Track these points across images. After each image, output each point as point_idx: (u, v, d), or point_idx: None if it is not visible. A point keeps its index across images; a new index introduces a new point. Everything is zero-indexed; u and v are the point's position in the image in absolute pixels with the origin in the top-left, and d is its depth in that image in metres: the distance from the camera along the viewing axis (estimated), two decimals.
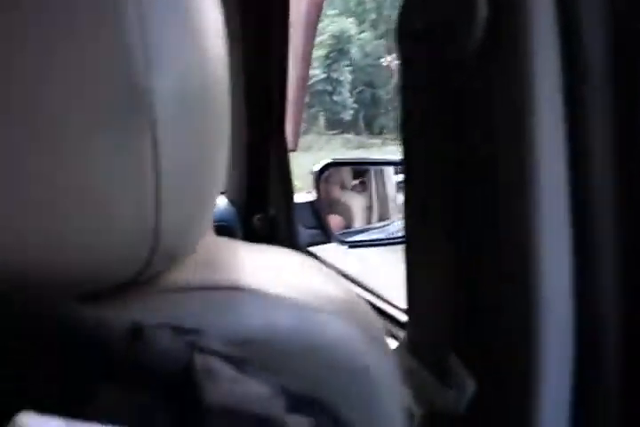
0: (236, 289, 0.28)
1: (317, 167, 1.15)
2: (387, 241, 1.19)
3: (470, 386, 0.39)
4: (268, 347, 0.26)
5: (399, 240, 1.18)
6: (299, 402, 0.22)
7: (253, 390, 0.21)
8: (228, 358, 0.22)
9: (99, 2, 0.20)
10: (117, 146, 0.21)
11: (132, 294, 0.26)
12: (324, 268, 0.36)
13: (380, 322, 0.35)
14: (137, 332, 0.20)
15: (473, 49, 0.34)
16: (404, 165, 0.44)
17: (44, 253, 0.22)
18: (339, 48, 11.71)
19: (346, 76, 11.84)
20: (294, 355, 0.27)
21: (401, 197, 1.50)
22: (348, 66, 11.90)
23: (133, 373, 0.19)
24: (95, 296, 0.24)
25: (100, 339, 0.20)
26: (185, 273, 0.28)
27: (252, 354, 0.24)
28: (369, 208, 1.43)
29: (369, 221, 1.40)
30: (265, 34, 0.90)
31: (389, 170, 1.43)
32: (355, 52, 12.09)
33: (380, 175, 1.43)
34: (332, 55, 11.83)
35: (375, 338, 0.32)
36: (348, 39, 11.88)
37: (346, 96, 11.69)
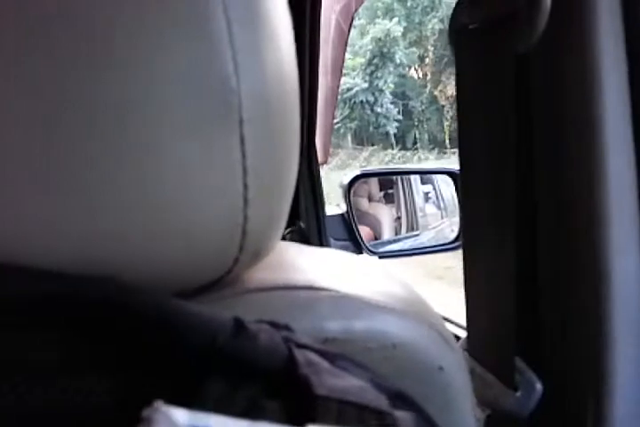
0: (313, 289, 0.28)
1: (347, 180, 1.15)
2: (417, 251, 1.18)
3: (538, 388, 0.39)
4: (346, 346, 0.26)
5: (429, 250, 1.18)
6: (395, 397, 0.22)
7: (355, 384, 0.21)
8: (322, 353, 0.22)
9: (188, 6, 0.21)
10: (208, 145, 0.22)
11: (216, 294, 0.26)
12: (384, 268, 0.36)
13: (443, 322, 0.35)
14: (240, 327, 0.20)
15: (536, 41, 0.34)
16: (462, 169, 0.44)
17: (136, 251, 0.22)
18: (382, 52, 10.51)
19: (389, 84, 10.71)
20: (371, 354, 0.27)
21: (429, 208, 1.50)
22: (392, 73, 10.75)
23: (239, 367, 0.20)
24: (183, 295, 0.24)
25: (201, 334, 0.20)
26: (262, 273, 0.29)
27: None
28: (397, 219, 1.43)
29: (398, 232, 1.40)
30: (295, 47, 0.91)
31: (416, 180, 1.43)
32: (400, 56, 10.73)
33: (408, 186, 1.42)
34: (374, 61, 10.57)
35: (446, 339, 0.32)
36: (394, 42, 10.53)
37: (390, 107, 10.56)
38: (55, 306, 0.19)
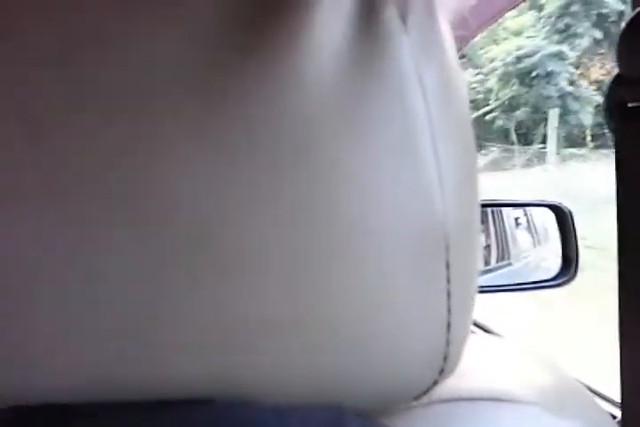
0: (497, 401, 0.28)
1: None
2: (517, 287, 1.12)
3: None
4: None
5: (530, 286, 1.11)
6: None
7: None
8: None
9: (400, 138, 0.21)
10: (416, 272, 0.22)
11: (398, 406, 0.26)
12: (540, 352, 0.36)
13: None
14: None
15: None
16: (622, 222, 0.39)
17: (341, 378, 0.22)
18: None
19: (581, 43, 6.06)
20: None
21: (520, 235, 1.42)
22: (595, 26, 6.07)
23: None
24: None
25: None
26: (449, 380, 0.28)
27: None
28: (487, 247, 1.37)
29: (488, 262, 1.34)
30: None
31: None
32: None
33: (498, 211, 1.36)
34: (572, 9, 6.36)
35: None
36: None
37: (581, 83, 6.27)
38: None
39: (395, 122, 0.21)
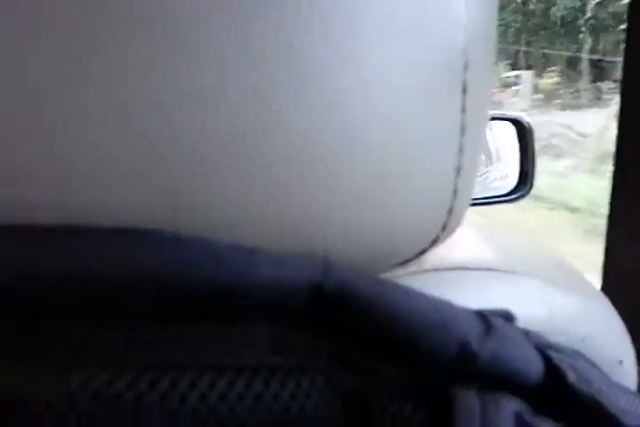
0: (492, 270, 0.27)
1: None
2: (474, 201, 1.13)
3: None
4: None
5: (487, 201, 1.13)
6: None
7: (620, 394, 0.18)
8: (563, 353, 0.19)
9: None
10: (427, 93, 0.19)
11: (388, 274, 0.23)
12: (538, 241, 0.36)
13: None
14: (489, 325, 0.17)
15: None
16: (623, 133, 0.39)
17: (332, 226, 0.19)
18: None
19: None
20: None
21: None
22: None
23: (499, 378, 0.16)
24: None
25: (448, 334, 0.16)
26: (437, 249, 0.26)
27: None
28: None
29: None
30: None
31: None
32: None
33: None
34: None
35: (624, 328, 0.30)
36: None
37: None
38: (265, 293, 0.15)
39: None
